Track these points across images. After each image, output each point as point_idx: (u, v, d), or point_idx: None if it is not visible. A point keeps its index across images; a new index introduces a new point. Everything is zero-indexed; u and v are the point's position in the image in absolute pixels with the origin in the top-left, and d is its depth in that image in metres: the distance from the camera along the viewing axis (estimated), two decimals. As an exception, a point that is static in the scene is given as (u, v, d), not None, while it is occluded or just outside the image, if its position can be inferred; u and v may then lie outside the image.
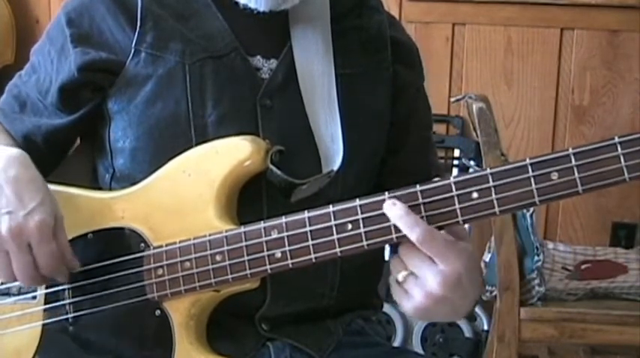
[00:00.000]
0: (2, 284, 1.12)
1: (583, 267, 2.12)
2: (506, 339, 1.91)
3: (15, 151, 1.07)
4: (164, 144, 1.10)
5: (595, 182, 0.89)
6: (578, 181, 0.90)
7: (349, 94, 1.15)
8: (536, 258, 1.93)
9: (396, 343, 2.64)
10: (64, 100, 1.16)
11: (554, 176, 0.90)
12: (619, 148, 0.89)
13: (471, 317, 2.69)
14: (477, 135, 1.95)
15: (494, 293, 2.06)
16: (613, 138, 0.89)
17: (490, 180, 0.93)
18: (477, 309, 2.66)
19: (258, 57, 1.14)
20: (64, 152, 1.23)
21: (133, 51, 1.11)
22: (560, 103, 2.70)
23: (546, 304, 1.94)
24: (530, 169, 0.91)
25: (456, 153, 2.64)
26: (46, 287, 1.11)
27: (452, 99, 2.54)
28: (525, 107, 2.71)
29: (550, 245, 2.24)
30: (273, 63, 1.14)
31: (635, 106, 2.66)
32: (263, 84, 1.12)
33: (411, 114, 1.22)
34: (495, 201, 0.92)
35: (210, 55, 1.11)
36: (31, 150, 1.14)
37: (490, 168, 0.93)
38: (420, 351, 2.62)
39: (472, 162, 2.56)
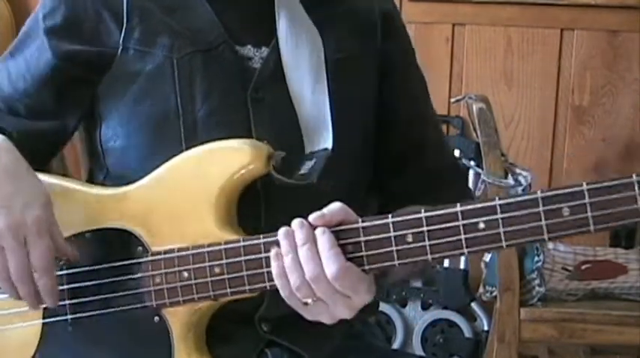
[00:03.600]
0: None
1: (583, 267, 2.12)
2: (507, 339, 1.91)
3: None
4: (154, 141, 1.09)
5: (608, 222, 0.85)
6: (590, 219, 0.85)
7: (340, 79, 1.14)
8: (536, 258, 1.93)
9: (397, 343, 2.65)
10: (55, 99, 1.14)
11: (566, 212, 0.86)
12: (637, 188, 0.84)
13: (471, 317, 2.69)
14: (477, 136, 1.95)
15: (494, 294, 2.06)
16: (631, 177, 0.84)
17: (498, 211, 0.89)
18: (477, 309, 2.67)
19: (249, 46, 1.13)
20: (53, 155, 1.22)
21: (121, 48, 1.10)
22: (560, 103, 2.70)
23: (546, 304, 1.94)
24: (540, 203, 0.87)
25: (456, 153, 2.64)
26: None
27: (452, 100, 2.54)
28: (525, 107, 2.71)
29: (550, 245, 2.23)
30: (265, 51, 1.13)
31: (635, 106, 2.66)
32: (254, 74, 1.11)
33: (399, 91, 1.20)
34: (502, 234, 0.89)
35: (199, 49, 1.10)
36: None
37: (499, 199, 0.89)
38: (420, 352, 2.62)
39: (472, 163, 2.55)
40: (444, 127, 2.72)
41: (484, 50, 2.71)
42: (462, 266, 2.67)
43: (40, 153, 1.17)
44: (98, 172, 1.18)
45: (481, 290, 2.22)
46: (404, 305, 2.70)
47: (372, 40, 1.18)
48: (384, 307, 2.64)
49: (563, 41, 2.67)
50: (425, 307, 2.69)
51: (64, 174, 1.38)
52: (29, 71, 1.14)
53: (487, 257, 2.22)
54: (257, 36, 1.13)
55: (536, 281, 1.92)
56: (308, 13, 1.14)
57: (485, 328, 2.64)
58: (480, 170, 2.41)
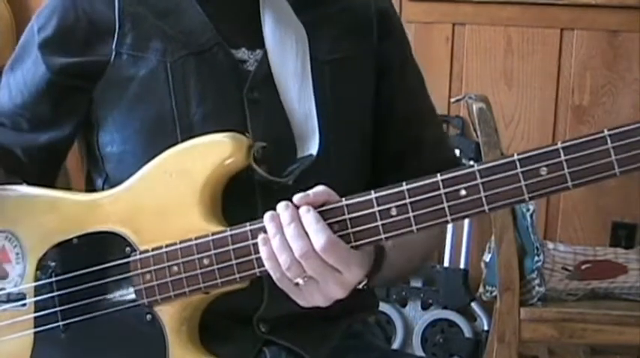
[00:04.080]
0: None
1: (583, 267, 2.12)
2: (507, 339, 1.91)
3: None
4: (151, 146, 1.09)
5: (585, 177, 0.87)
6: (567, 176, 0.87)
7: (337, 80, 1.14)
8: (536, 258, 1.93)
9: (397, 343, 2.65)
10: (52, 109, 1.14)
11: (544, 171, 0.88)
12: (609, 141, 0.85)
13: (471, 317, 2.69)
14: (477, 136, 1.95)
15: (494, 294, 2.06)
16: (602, 131, 0.86)
17: (478, 176, 0.91)
18: (477, 309, 2.67)
19: (243, 49, 1.13)
20: (57, 166, 1.22)
21: (114, 54, 1.10)
22: (560, 103, 2.70)
23: (546, 304, 1.94)
24: (518, 165, 0.89)
25: (456, 153, 2.64)
26: (35, 295, 1.10)
27: (452, 100, 2.54)
28: (525, 107, 2.71)
29: (550, 245, 2.24)
30: (259, 54, 1.13)
31: (635, 106, 2.66)
32: (249, 77, 1.11)
33: (396, 90, 1.20)
34: (484, 199, 0.90)
35: (192, 52, 1.10)
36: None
37: (477, 165, 0.91)
38: (420, 351, 2.63)
39: (472, 163, 2.55)
40: (444, 127, 2.72)
41: (484, 50, 2.71)
42: (462, 266, 2.67)
43: (48, 166, 1.19)
44: (97, 177, 1.18)
45: (481, 290, 2.22)
46: (404, 305, 2.70)
47: (369, 39, 1.18)
48: (384, 307, 2.64)
49: (563, 41, 2.67)
50: (425, 307, 2.69)
51: (65, 178, 1.38)
52: (26, 85, 1.15)
53: (487, 257, 2.23)
54: (250, 39, 1.13)
55: (536, 281, 1.92)
56: (298, 14, 1.14)
57: (486, 328, 2.64)
58: (480, 170, 2.41)
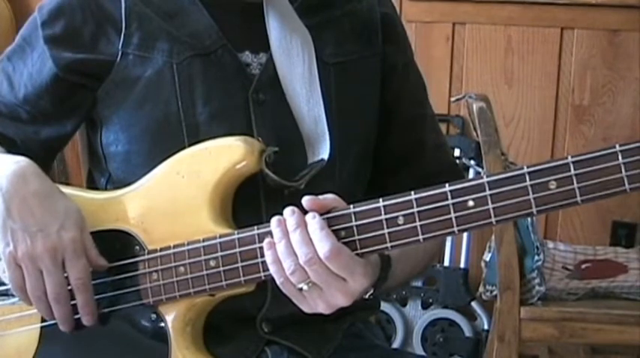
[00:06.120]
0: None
1: (583, 266, 2.12)
2: (507, 339, 1.91)
3: (23, 161, 1.08)
4: (157, 146, 1.09)
5: (595, 192, 0.86)
6: (577, 191, 0.86)
7: (342, 82, 1.14)
8: (536, 257, 1.93)
9: (397, 343, 2.65)
10: (55, 105, 1.15)
11: (553, 185, 0.87)
12: (620, 157, 0.85)
13: (471, 317, 2.69)
14: (477, 135, 1.95)
15: (494, 293, 2.06)
16: (614, 146, 0.85)
17: (486, 188, 0.90)
18: (477, 308, 2.67)
19: (247, 52, 1.13)
20: (50, 162, 1.22)
21: (120, 53, 1.11)
22: (560, 103, 2.70)
23: (547, 304, 1.93)
24: (527, 178, 0.88)
25: (456, 152, 2.64)
26: None
27: (452, 99, 2.54)
28: (525, 107, 2.71)
29: (550, 244, 2.24)
30: (263, 57, 1.13)
31: (635, 106, 2.66)
32: (254, 79, 1.11)
33: (399, 92, 1.21)
34: (492, 211, 0.90)
35: (198, 53, 1.11)
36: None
37: (487, 177, 0.90)
38: (421, 351, 2.63)
39: (472, 162, 2.56)
40: (444, 126, 2.72)
41: (484, 49, 2.71)
42: (462, 265, 2.67)
43: (42, 160, 1.18)
44: (99, 176, 1.18)
45: (481, 289, 2.23)
46: (404, 305, 2.71)
47: (374, 42, 1.19)
48: (384, 306, 2.64)
49: (564, 40, 2.67)
50: (425, 306, 2.69)
51: (65, 172, 1.38)
52: (31, 79, 1.15)
53: (487, 256, 2.23)
54: (254, 42, 1.13)
55: (537, 281, 1.91)
56: (302, 18, 1.14)
57: (486, 327, 2.64)
58: (480, 169, 2.41)
